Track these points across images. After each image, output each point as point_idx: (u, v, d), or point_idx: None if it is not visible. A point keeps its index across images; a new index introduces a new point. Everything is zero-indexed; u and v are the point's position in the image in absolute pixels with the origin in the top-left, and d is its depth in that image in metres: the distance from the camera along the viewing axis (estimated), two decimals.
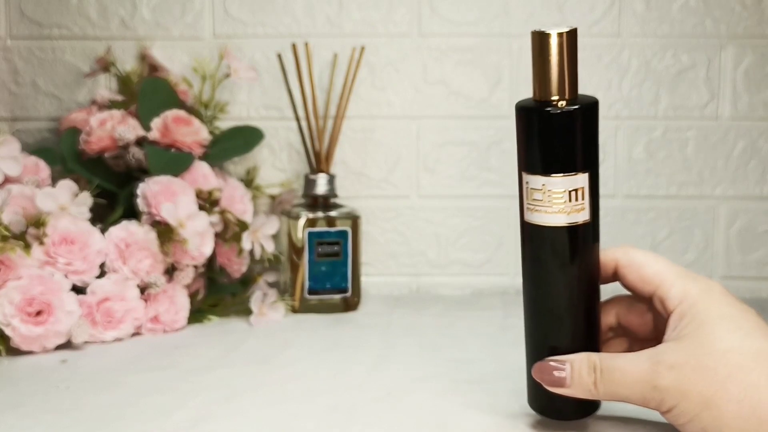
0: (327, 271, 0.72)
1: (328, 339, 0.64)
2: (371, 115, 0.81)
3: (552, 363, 0.39)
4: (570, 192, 0.38)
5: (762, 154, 0.80)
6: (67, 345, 0.60)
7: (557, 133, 0.38)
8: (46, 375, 0.54)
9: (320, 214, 0.72)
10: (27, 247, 0.59)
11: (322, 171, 0.75)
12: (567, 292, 0.40)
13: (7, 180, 0.63)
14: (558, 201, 0.38)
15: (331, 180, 0.74)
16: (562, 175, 0.38)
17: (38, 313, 0.58)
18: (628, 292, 0.44)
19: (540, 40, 0.37)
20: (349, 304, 0.73)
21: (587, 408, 0.42)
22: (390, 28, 0.80)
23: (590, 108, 0.38)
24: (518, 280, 0.82)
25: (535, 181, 0.38)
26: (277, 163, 0.82)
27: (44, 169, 0.68)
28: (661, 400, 0.37)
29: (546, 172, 0.38)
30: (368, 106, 0.81)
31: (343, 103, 0.76)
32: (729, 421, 0.35)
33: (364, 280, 0.79)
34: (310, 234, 0.72)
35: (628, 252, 0.41)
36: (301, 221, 0.72)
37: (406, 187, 0.82)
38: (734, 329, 0.36)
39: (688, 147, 0.80)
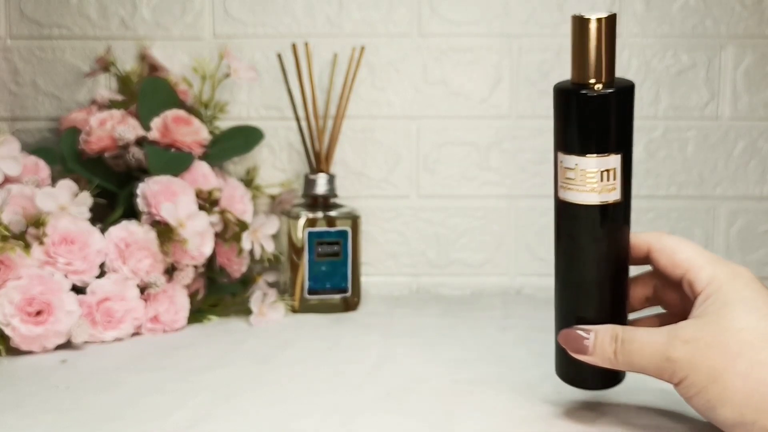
0: (327, 271, 0.72)
1: (328, 339, 0.64)
2: (371, 115, 0.81)
3: (578, 331, 0.41)
4: (602, 172, 0.40)
5: (762, 154, 0.80)
6: (67, 345, 0.60)
7: (592, 114, 0.39)
8: (45, 375, 0.54)
9: (320, 214, 0.72)
10: (27, 246, 0.59)
11: (322, 171, 0.75)
12: (595, 268, 0.41)
13: (7, 180, 0.63)
14: (590, 180, 0.40)
15: (331, 180, 0.74)
16: (595, 155, 0.40)
17: (38, 312, 0.58)
18: None
19: (580, 24, 0.39)
20: (349, 304, 0.73)
21: (610, 380, 0.44)
22: (390, 28, 0.80)
23: (626, 91, 0.40)
24: (518, 281, 0.82)
25: (569, 160, 0.40)
26: (277, 163, 0.82)
27: (44, 169, 0.68)
28: (673, 372, 0.38)
29: (580, 152, 0.40)
30: (368, 106, 0.81)
31: (343, 103, 0.76)
32: (733, 395, 0.36)
33: (364, 280, 0.79)
34: (310, 234, 0.72)
35: (661, 237, 0.44)
36: (301, 221, 0.72)
37: (406, 187, 0.82)
38: (752, 310, 0.38)
39: (688, 147, 0.80)
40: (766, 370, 0.36)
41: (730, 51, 0.79)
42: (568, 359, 0.43)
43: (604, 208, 0.40)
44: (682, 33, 0.79)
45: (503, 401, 0.49)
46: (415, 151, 0.81)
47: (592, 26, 0.39)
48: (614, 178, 0.40)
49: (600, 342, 0.40)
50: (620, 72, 0.79)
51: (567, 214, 0.42)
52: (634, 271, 0.46)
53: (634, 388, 0.49)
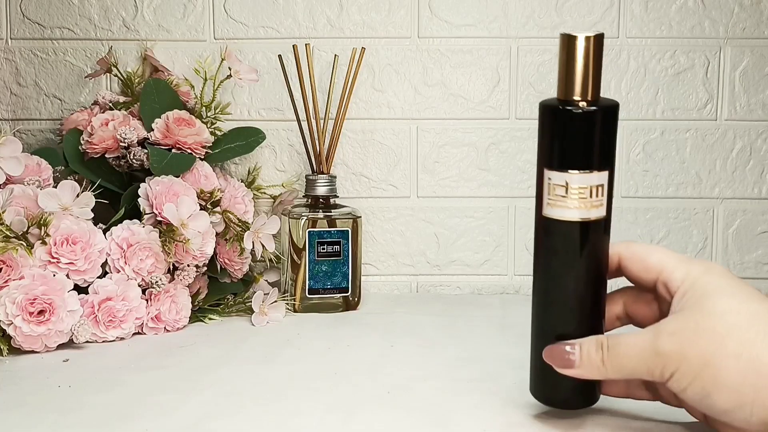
0: (327, 270, 0.72)
1: (328, 338, 0.64)
2: (371, 116, 0.81)
3: (562, 346, 0.41)
4: (591, 189, 0.40)
5: (760, 154, 0.81)
6: (69, 344, 0.61)
7: (582, 131, 0.40)
8: (48, 374, 0.54)
9: (321, 214, 0.73)
10: (29, 247, 0.60)
11: (322, 172, 0.75)
12: (580, 284, 0.41)
13: (9, 180, 0.64)
14: (580, 197, 0.40)
15: (332, 180, 0.75)
16: (587, 172, 0.40)
17: (40, 312, 0.58)
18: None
19: (568, 42, 0.39)
20: (350, 304, 0.74)
21: (588, 398, 0.44)
22: (390, 30, 0.81)
23: (614, 109, 0.40)
24: (516, 280, 0.82)
25: (558, 177, 0.40)
26: (278, 163, 0.82)
27: (46, 170, 0.69)
28: (664, 366, 0.38)
29: (570, 168, 0.40)
30: (368, 107, 0.81)
31: (344, 104, 0.76)
32: (727, 377, 0.36)
33: (365, 279, 0.80)
34: (311, 234, 0.72)
35: (629, 245, 0.43)
36: (302, 221, 0.72)
37: (405, 187, 0.82)
38: (732, 295, 0.38)
39: (686, 148, 0.81)
40: (757, 347, 0.36)
41: (728, 52, 0.80)
42: (544, 378, 0.43)
43: (590, 225, 0.40)
44: (681, 34, 0.80)
45: (502, 400, 0.49)
46: (414, 152, 0.82)
47: (580, 44, 0.39)
48: (602, 195, 0.40)
49: (586, 353, 0.40)
50: (618, 72, 0.80)
51: (553, 231, 0.41)
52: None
53: None
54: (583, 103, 0.39)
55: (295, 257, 0.73)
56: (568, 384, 0.42)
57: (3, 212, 0.59)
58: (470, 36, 0.81)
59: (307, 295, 0.72)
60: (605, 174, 0.40)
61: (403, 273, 0.83)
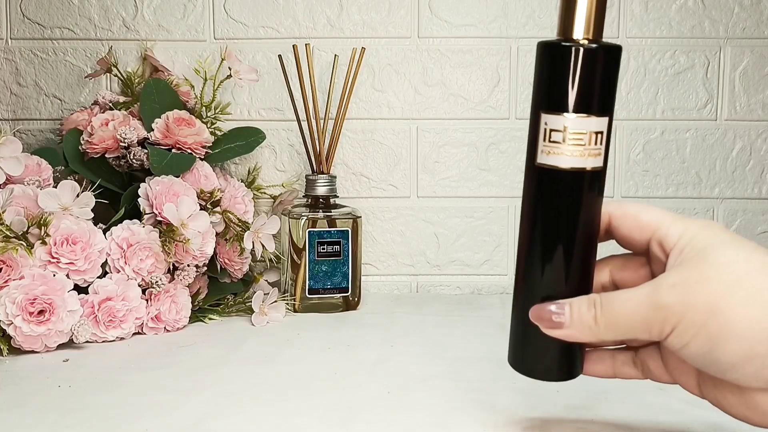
0: (327, 270, 0.72)
1: (328, 338, 0.64)
2: (371, 116, 0.82)
3: (550, 304, 0.38)
4: (590, 135, 0.37)
5: (760, 154, 0.81)
6: (69, 344, 0.61)
7: (584, 70, 0.37)
8: (48, 374, 0.54)
9: (321, 214, 0.73)
10: (29, 247, 0.60)
11: (322, 172, 0.75)
12: (571, 240, 0.39)
13: (10, 180, 0.64)
14: (578, 143, 0.37)
15: (332, 180, 0.75)
16: (586, 115, 0.37)
17: (40, 312, 0.58)
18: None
19: None
20: (350, 304, 0.74)
21: (571, 369, 0.41)
22: (390, 30, 0.81)
23: (617, 50, 0.38)
24: None
25: (555, 121, 0.37)
26: (278, 163, 0.82)
27: (46, 170, 0.69)
28: (664, 319, 0.35)
29: (568, 110, 0.37)
30: (368, 107, 0.81)
31: (344, 104, 0.76)
32: (737, 325, 0.33)
33: (365, 279, 0.80)
34: (311, 234, 0.72)
35: (620, 205, 0.40)
36: (302, 221, 0.72)
37: (405, 187, 0.82)
38: (737, 247, 0.35)
39: (686, 148, 0.81)
40: None
41: (728, 52, 0.80)
42: (524, 346, 0.40)
43: (587, 175, 0.38)
44: (681, 34, 0.80)
45: (502, 400, 0.49)
46: (414, 152, 0.82)
47: None
48: (601, 143, 0.37)
49: (577, 311, 0.37)
50: (619, 73, 0.80)
51: (546, 180, 0.38)
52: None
53: (632, 388, 0.49)
54: (584, 41, 0.37)
55: (295, 257, 0.73)
56: (551, 353, 0.39)
57: (3, 212, 0.59)
58: (470, 36, 0.81)
59: (307, 295, 0.72)
60: (605, 120, 0.37)
61: (403, 273, 0.83)
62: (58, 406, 0.48)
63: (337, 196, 0.76)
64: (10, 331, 0.58)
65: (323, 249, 0.72)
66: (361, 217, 0.75)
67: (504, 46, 0.80)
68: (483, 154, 0.81)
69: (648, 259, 0.40)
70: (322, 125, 0.76)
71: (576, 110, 0.37)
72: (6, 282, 0.58)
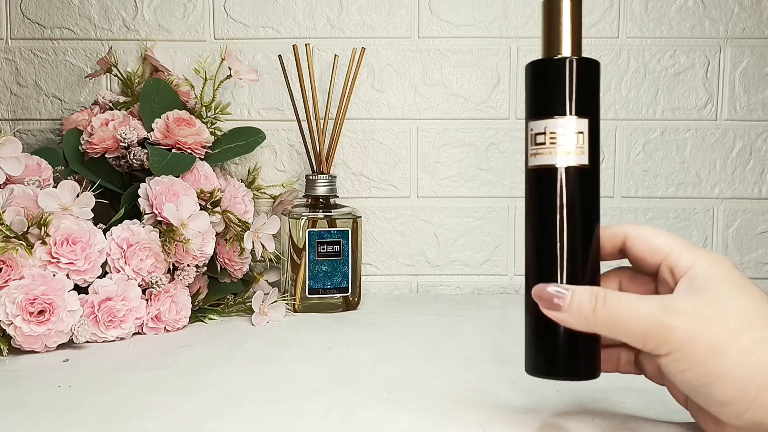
0: (327, 270, 0.72)
1: (328, 338, 0.64)
2: (371, 116, 0.82)
3: (553, 286, 0.39)
4: (569, 135, 0.41)
5: (760, 154, 0.81)
6: (69, 344, 0.61)
7: (555, 78, 0.42)
8: (48, 374, 0.54)
9: (321, 214, 0.73)
10: (29, 247, 0.60)
11: (322, 172, 0.75)
12: (565, 232, 0.41)
13: (9, 180, 0.64)
14: (559, 142, 0.41)
15: (332, 180, 0.75)
16: (562, 117, 0.41)
17: (40, 312, 0.58)
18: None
19: (549, 4, 0.42)
20: (350, 304, 0.74)
21: (592, 368, 0.41)
22: (390, 30, 0.81)
23: (592, 63, 0.42)
24: (517, 280, 0.82)
25: (538, 125, 0.42)
26: (278, 163, 0.82)
27: (46, 170, 0.69)
28: (663, 341, 0.36)
29: (548, 115, 0.41)
30: (368, 107, 0.81)
31: (344, 104, 0.76)
32: (735, 369, 0.35)
33: (365, 279, 0.80)
34: (311, 234, 0.72)
35: (636, 226, 0.43)
36: (302, 221, 0.72)
37: (405, 187, 0.82)
38: (746, 293, 0.37)
39: (686, 148, 0.81)
40: None
41: (728, 52, 0.80)
42: (538, 347, 0.41)
43: (572, 171, 0.41)
44: (681, 34, 0.80)
45: (502, 400, 0.49)
46: (414, 152, 0.82)
47: (564, 4, 0.42)
48: (582, 142, 0.41)
49: (578, 298, 0.38)
50: (618, 72, 0.80)
51: (536, 181, 0.42)
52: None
53: (632, 388, 0.49)
54: (560, 56, 0.42)
55: (295, 257, 0.73)
56: (576, 350, 0.40)
57: (3, 212, 0.59)
58: (470, 36, 0.81)
59: (307, 295, 0.72)
60: (584, 121, 0.41)
61: (403, 273, 0.83)
62: (57, 406, 0.48)
63: (337, 196, 0.76)
64: (10, 331, 0.58)
65: (323, 249, 0.72)
66: (361, 217, 0.75)
67: (504, 46, 0.80)
68: (483, 154, 0.81)
69: (656, 279, 0.42)
70: (322, 125, 0.76)
71: (554, 113, 0.41)
72: (6, 282, 0.58)
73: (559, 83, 0.42)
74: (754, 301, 0.37)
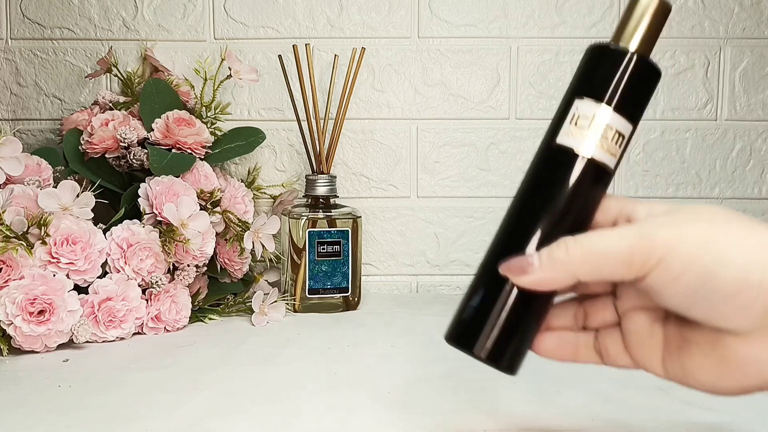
0: (327, 270, 0.72)
1: (328, 338, 0.64)
2: (371, 116, 0.82)
3: (519, 255, 0.37)
4: (615, 131, 0.39)
5: (760, 154, 0.81)
6: (69, 344, 0.61)
7: (626, 73, 0.39)
8: (48, 374, 0.54)
9: (321, 214, 0.73)
10: (29, 247, 0.60)
11: (322, 172, 0.75)
12: (565, 219, 0.39)
13: (10, 180, 0.64)
14: (602, 135, 0.39)
15: (332, 180, 0.75)
16: (618, 113, 0.39)
17: (40, 312, 0.58)
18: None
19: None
20: (350, 304, 0.74)
21: (513, 362, 0.41)
22: (390, 30, 0.81)
23: (656, 71, 0.40)
24: None
25: (588, 107, 0.39)
26: (278, 163, 0.82)
27: (46, 170, 0.69)
28: (651, 249, 0.34)
29: (605, 101, 0.39)
30: (368, 107, 0.81)
31: (344, 104, 0.76)
32: (734, 252, 0.32)
33: (365, 279, 0.80)
34: (311, 234, 0.72)
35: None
36: (302, 221, 0.72)
37: (405, 187, 0.82)
38: (716, 209, 0.35)
39: (686, 148, 0.81)
40: (762, 232, 0.33)
41: (728, 52, 0.80)
42: (472, 316, 0.40)
43: (597, 167, 0.39)
44: (681, 34, 0.80)
45: (502, 400, 0.49)
46: (414, 152, 0.82)
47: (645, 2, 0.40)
48: (619, 146, 0.39)
49: (546, 253, 0.35)
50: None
51: (560, 161, 0.39)
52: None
53: (632, 389, 0.49)
54: (636, 53, 0.39)
55: (295, 257, 0.73)
56: (506, 335, 0.39)
57: (3, 212, 0.59)
58: (470, 36, 0.81)
59: (307, 295, 0.72)
60: (630, 126, 0.39)
61: (403, 273, 0.83)
62: (57, 406, 0.48)
63: (337, 196, 0.76)
64: (10, 331, 0.58)
65: (323, 249, 0.72)
66: (361, 217, 0.75)
67: (504, 46, 0.80)
68: (483, 154, 0.81)
69: (612, 290, 0.39)
70: (322, 125, 0.76)
71: (610, 104, 0.39)
72: (6, 282, 0.58)
73: (629, 80, 0.39)
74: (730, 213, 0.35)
